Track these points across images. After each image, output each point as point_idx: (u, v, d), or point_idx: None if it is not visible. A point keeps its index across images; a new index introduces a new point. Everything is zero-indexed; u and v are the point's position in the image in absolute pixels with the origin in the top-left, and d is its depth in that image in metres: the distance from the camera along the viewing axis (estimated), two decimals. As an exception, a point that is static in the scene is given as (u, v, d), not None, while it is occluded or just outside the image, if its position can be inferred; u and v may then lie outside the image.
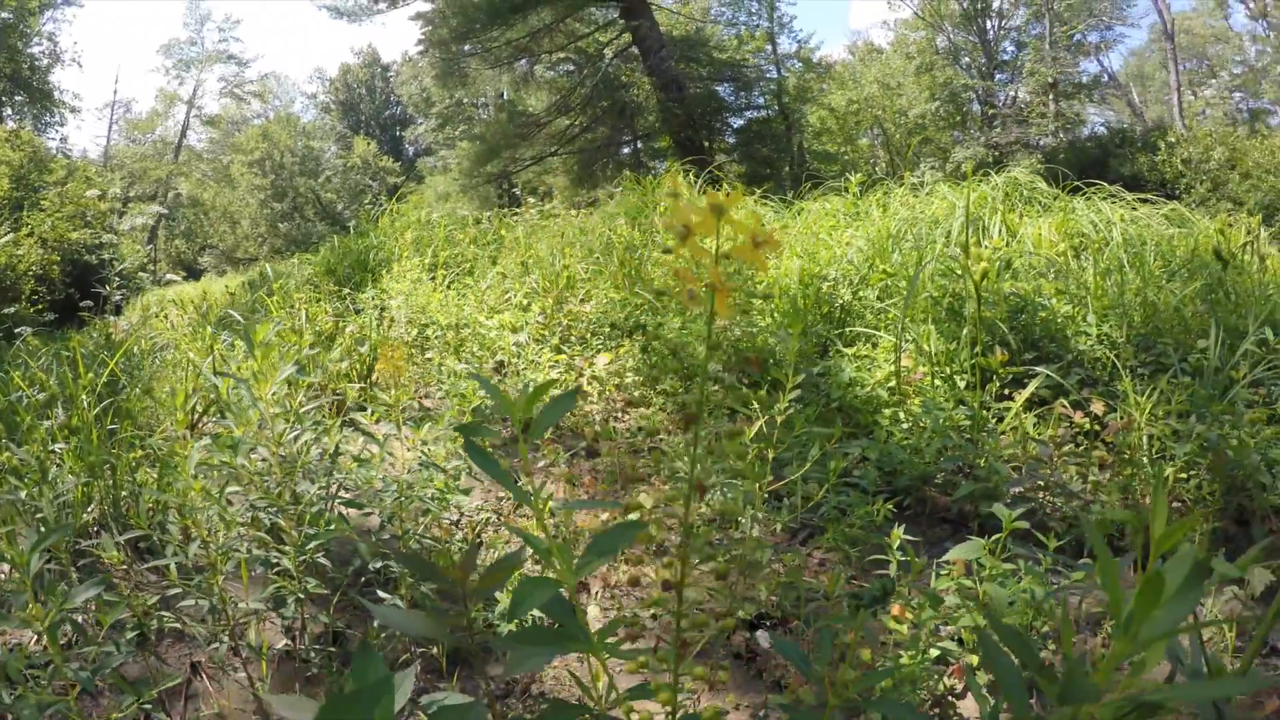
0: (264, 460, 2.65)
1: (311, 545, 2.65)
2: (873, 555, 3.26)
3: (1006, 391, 4.73)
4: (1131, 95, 43.22)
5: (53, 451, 3.58)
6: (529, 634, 1.22)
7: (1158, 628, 0.91)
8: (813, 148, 31.48)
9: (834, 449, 3.88)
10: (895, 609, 2.70)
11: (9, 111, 28.17)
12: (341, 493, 3.04)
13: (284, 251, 36.66)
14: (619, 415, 5.13)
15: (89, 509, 3.53)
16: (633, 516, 3.33)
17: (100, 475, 3.58)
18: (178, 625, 2.71)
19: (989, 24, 36.26)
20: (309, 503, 2.73)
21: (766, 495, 3.76)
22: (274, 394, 2.63)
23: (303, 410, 2.74)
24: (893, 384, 4.48)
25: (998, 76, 35.99)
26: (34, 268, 19.41)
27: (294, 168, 45.67)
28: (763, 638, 3.08)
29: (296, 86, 69.85)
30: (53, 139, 31.56)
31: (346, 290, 7.80)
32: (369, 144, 50.66)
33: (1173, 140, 22.92)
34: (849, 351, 4.74)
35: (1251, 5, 42.51)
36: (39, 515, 3.26)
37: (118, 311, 12.27)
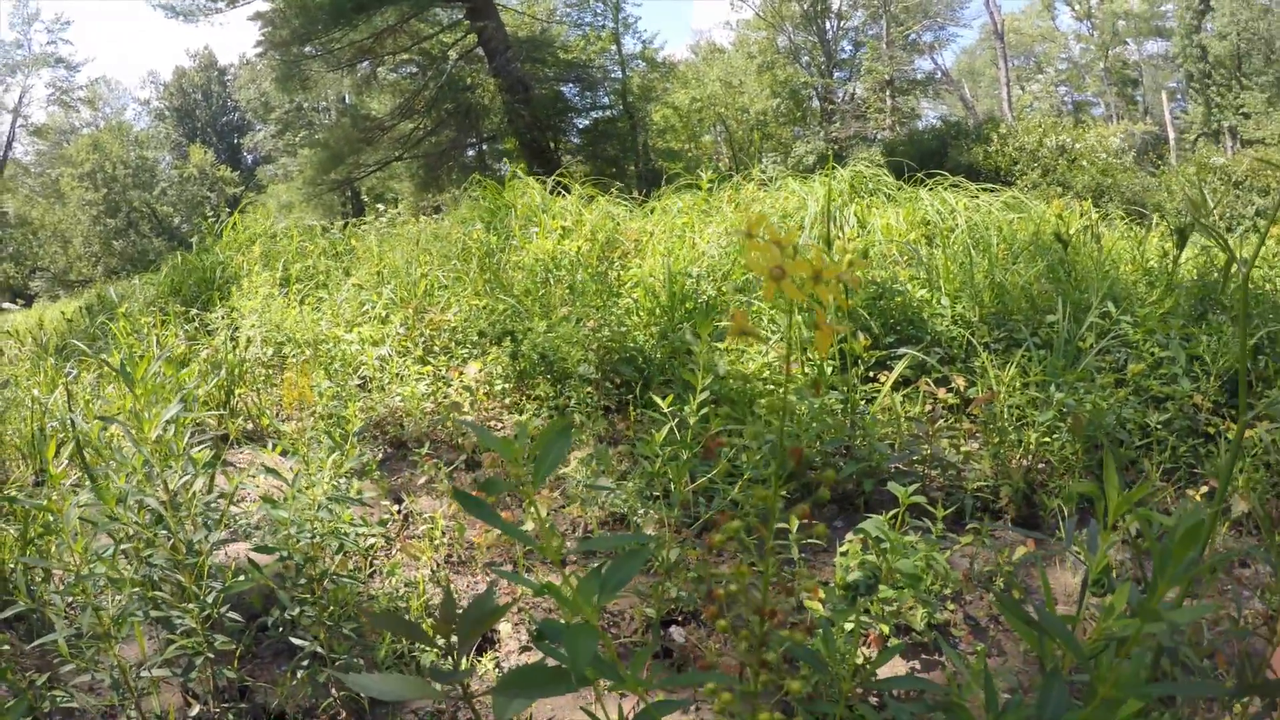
0: (152, 510, 2.47)
1: (214, 598, 2.50)
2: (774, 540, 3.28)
3: (872, 374, 4.87)
4: (964, 91, 45.25)
5: None
6: (525, 675, 1.15)
7: (1182, 569, 1.08)
8: (657, 145, 31.81)
9: (713, 443, 3.90)
10: (811, 589, 2.75)
11: None
12: (243, 536, 2.88)
13: (120, 271, 34.95)
14: (492, 424, 5.04)
15: None
16: (528, 527, 3.25)
17: None
18: (70, 702, 2.50)
19: (828, 24, 37.64)
20: (209, 553, 2.56)
21: (657, 494, 3.75)
22: (158, 435, 2.46)
23: (192, 449, 2.56)
24: (765, 375, 4.54)
25: (836, 74, 37.39)
26: None
27: (127, 180, 43.52)
28: (677, 633, 3.11)
29: (128, 92, 66.95)
30: None
31: (194, 310, 7.45)
32: (206, 152, 48.76)
33: (1004, 132, 24.08)
34: (720, 346, 4.77)
35: (1077, 6, 45.22)
36: None
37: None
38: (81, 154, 43.73)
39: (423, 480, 4.22)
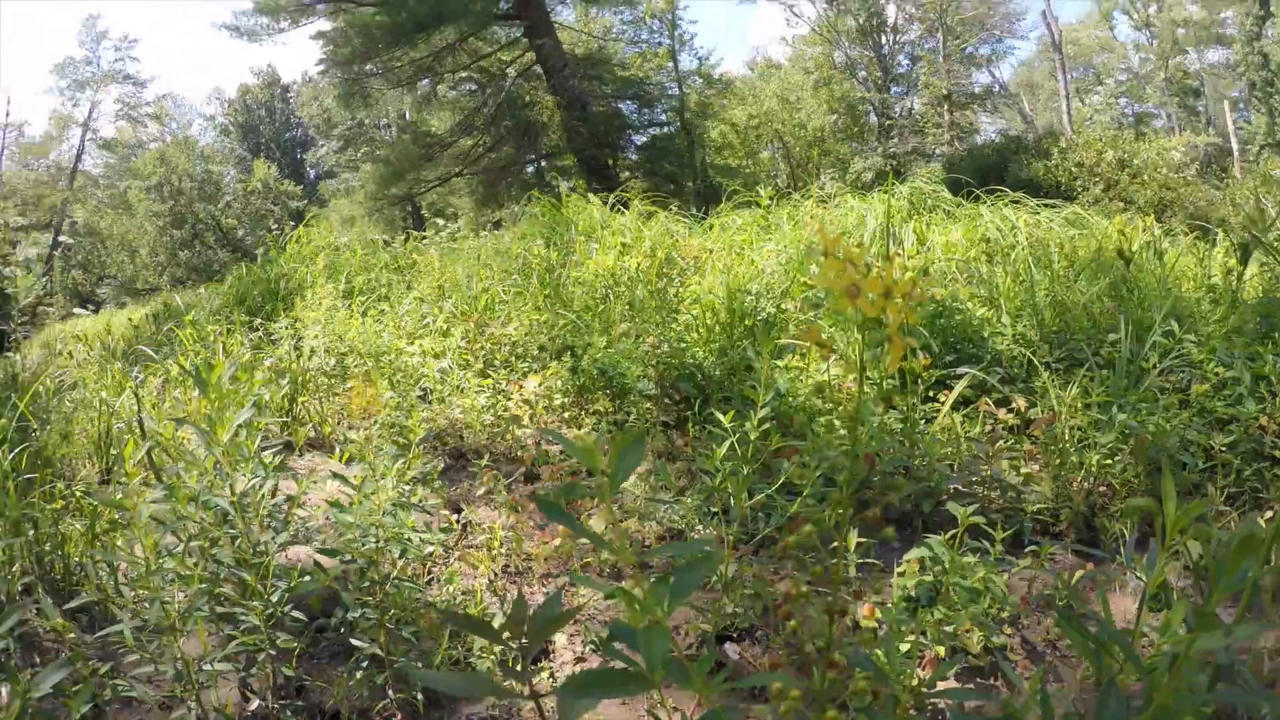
0: (221, 510, 2.53)
1: (278, 597, 2.55)
2: (831, 560, 3.29)
3: (931, 393, 4.83)
4: (1022, 104, 44.67)
5: None
6: (591, 677, 1.17)
7: (1237, 579, 1.09)
8: (715, 162, 31.75)
9: (774, 460, 3.89)
10: (865, 609, 2.73)
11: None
12: (304, 539, 2.94)
13: (185, 281, 35.71)
14: (551, 438, 5.09)
15: (12, 569, 3.35)
16: (585, 540, 3.28)
17: (22, 531, 3.40)
18: (130, 692, 2.57)
19: (884, 39, 37.20)
20: (274, 553, 2.62)
21: (715, 510, 3.76)
22: (229, 438, 2.52)
23: (262, 455, 2.62)
24: (824, 393, 4.53)
25: (893, 89, 36.97)
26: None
27: (193, 192, 44.38)
28: (730, 650, 3.08)
29: (194, 108, 68.41)
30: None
31: (258, 320, 7.60)
32: (270, 167, 49.53)
33: (1064, 146, 23.70)
34: (780, 364, 4.77)
35: (1135, 16, 44.42)
36: None
37: (17, 348, 11.79)
38: (149, 167, 44.69)
39: (481, 491, 4.26)
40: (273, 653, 2.64)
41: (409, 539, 2.68)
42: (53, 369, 8.37)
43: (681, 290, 6.07)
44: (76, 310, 30.63)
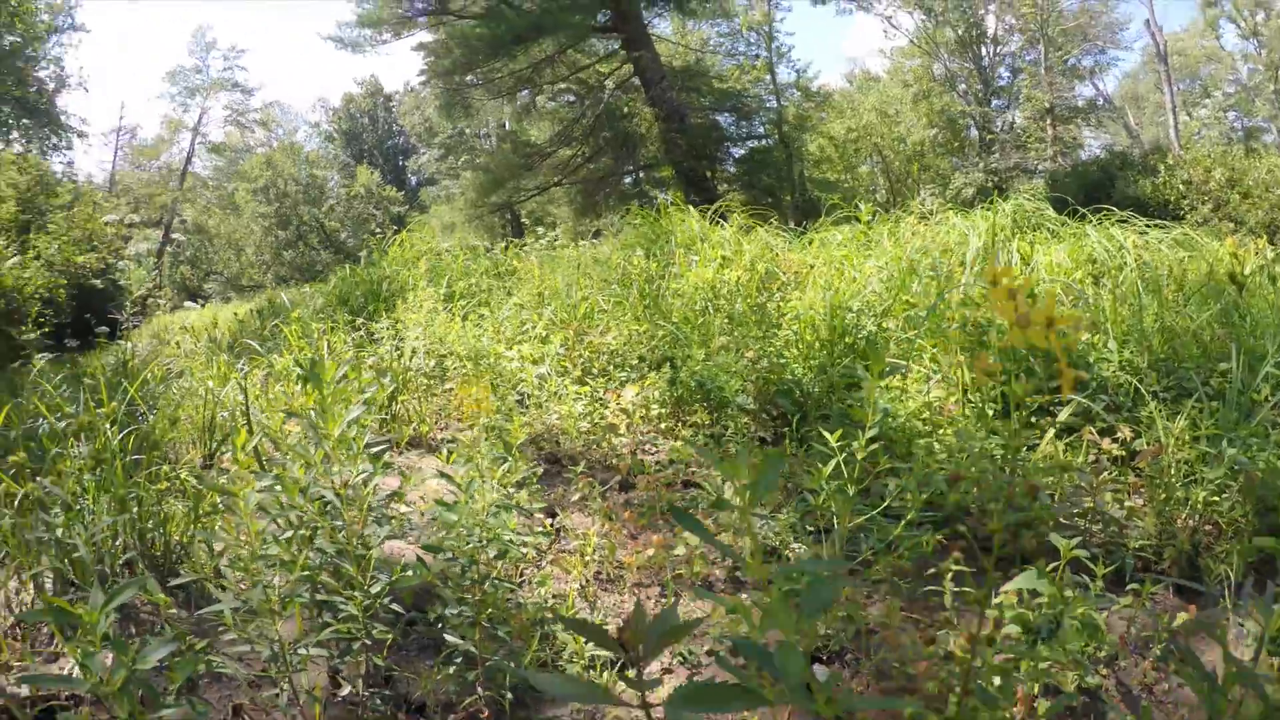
0: (328, 502, 2.62)
1: (378, 589, 2.61)
2: (926, 587, 3.24)
3: (1033, 420, 4.71)
4: (1127, 118, 43.33)
5: (79, 482, 3.50)
6: (704, 691, 1.17)
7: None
8: (813, 176, 31.53)
9: (874, 481, 3.85)
10: (962, 639, 2.69)
11: (15, 135, 28.24)
12: (401, 535, 3.00)
13: (289, 279, 36.70)
14: (647, 447, 5.11)
15: (116, 543, 3.49)
16: (679, 551, 3.29)
17: (127, 508, 3.54)
18: (223, 668, 2.66)
19: (984, 50, 36.40)
20: (377, 546, 2.69)
21: (811, 529, 3.74)
22: (339, 433, 2.60)
23: (370, 450, 2.70)
24: (925, 415, 4.47)
25: (994, 102, 36.13)
26: (40, 290, 19.42)
27: (298, 196, 45.77)
28: (820, 672, 3.03)
29: (300, 115, 70.33)
30: (59, 163, 31.67)
31: (360, 320, 7.79)
32: (372, 173, 50.85)
33: (1171, 162, 22.87)
34: (881, 383, 4.72)
35: (1242, 24, 42.64)
36: (75, 555, 3.22)
37: (128, 336, 12.27)
38: (256, 170, 46.19)
39: (576, 497, 4.28)
40: (367, 642, 2.70)
41: (510, 541, 2.72)
42: (161, 358, 8.69)
43: (781, 305, 6.04)
44: (187, 304, 31.74)
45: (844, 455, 3.35)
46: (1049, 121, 34.52)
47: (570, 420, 5.13)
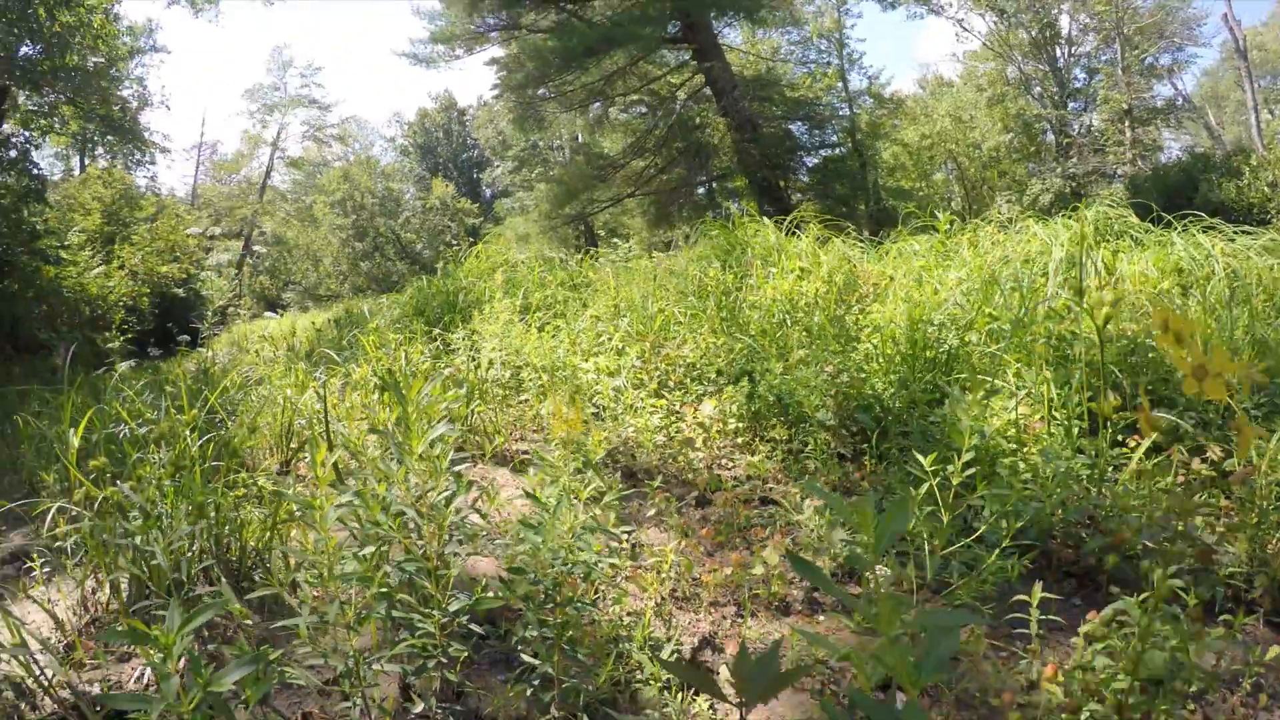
0: (410, 519, 2.62)
1: (457, 607, 2.60)
2: (1009, 614, 3.16)
3: (1120, 438, 4.56)
4: (1208, 117, 41.96)
5: (159, 487, 3.51)
6: None
7: None
8: (887, 184, 31.22)
9: (958, 502, 3.77)
10: (1049, 669, 2.61)
11: (100, 151, 29.24)
12: (479, 551, 3.00)
13: (365, 290, 37.41)
14: (724, 462, 5.07)
15: (192, 548, 3.54)
16: (758, 567, 3.25)
17: (205, 514, 3.56)
18: (296, 679, 2.67)
19: (1059, 51, 35.52)
20: (459, 565, 2.68)
21: (888, 550, 3.67)
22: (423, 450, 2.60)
23: (454, 468, 2.70)
24: (1010, 432, 4.36)
25: (1071, 105, 35.20)
26: (124, 299, 20.08)
27: (374, 208, 46.65)
28: (898, 700, 2.94)
29: (376, 130, 71.81)
30: (143, 178, 32.71)
31: (436, 330, 7.87)
32: (447, 186, 51.60)
33: (1256, 164, 22.07)
34: (970, 399, 4.62)
35: (1324, 14, 40.80)
36: (153, 562, 3.26)
37: (208, 344, 12.58)
38: (333, 184, 47.18)
39: (652, 512, 4.24)
40: (443, 660, 2.67)
41: (595, 563, 2.68)
42: (241, 365, 8.88)
43: (861, 318, 5.96)
44: (267, 314, 32.52)
45: (938, 481, 3.27)
46: (1127, 123, 33.57)
47: (646, 434, 5.10)
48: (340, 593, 2.49)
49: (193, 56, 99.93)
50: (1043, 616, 3.10)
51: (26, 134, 20.37)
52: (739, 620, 3.42)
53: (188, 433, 3.83)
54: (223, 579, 3.48)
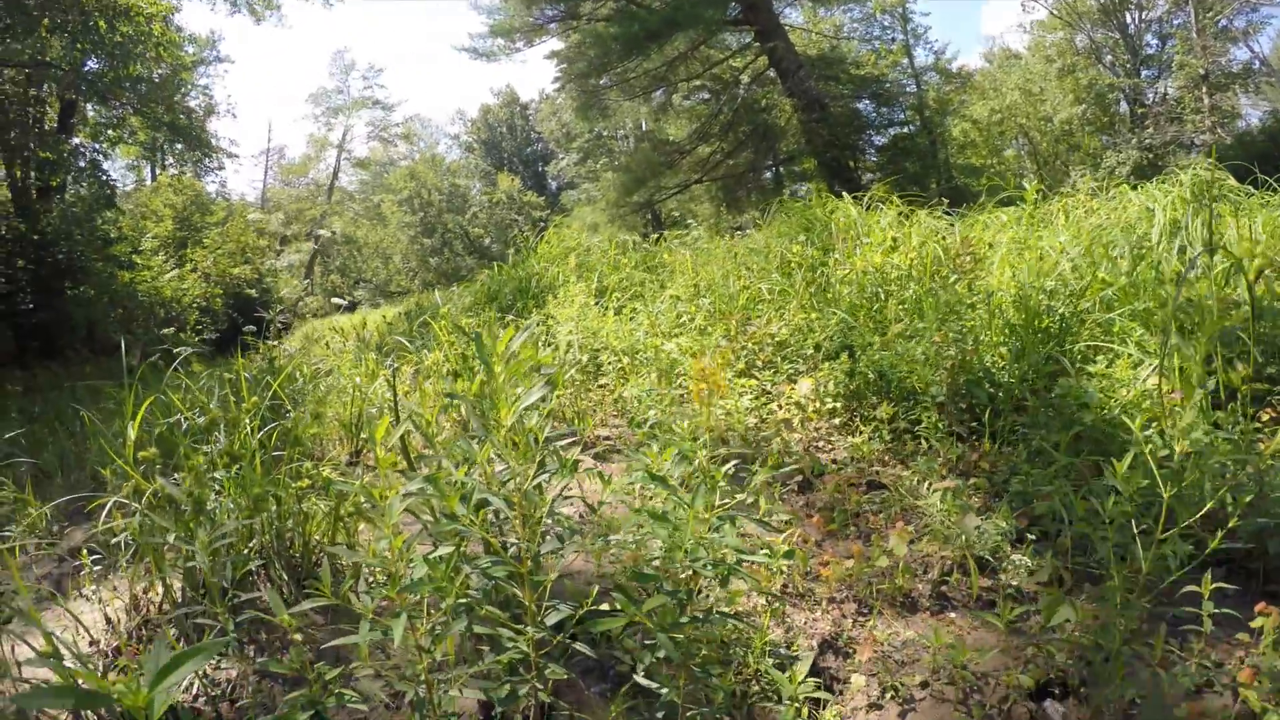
0: (497, 511, 2.24)
1: (557, 619, 2.22)
2: (1160, 606, 2.81)
3: (1251, 411, 4.15)
4: (1287, 81, 40.16)
5: (213, 479, 3.31)
6: None
7: None
8: (957, 162, 30.56)
9: (1093, 483, 3.42)
10: (1246, 673, 2.29)
11: (170, 160, 29.83)
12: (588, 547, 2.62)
13: (435, 285, 37.58)
14: (821, 444, 4.73)
15: (250, 543, 3.32)
16: (881, 559, 2.94)
17: (264, 507, 3.34)
18: (358, 702, 2.27)
19: (1129, 18, 34.27)
20: (554, 573, 2.29)
21: (1016, 533, 3.33)
22: (511, 425, 2.13)
23: (554, 447, 2.32)
24: (1146, 404, 3.98)
25: (1144, 73, 33.96)
26: (198, 300, 20.48)
27: (441, 205, 46.93)
28: (1053, 709, 2.57)
29: (440, 128, 72.33)
30: (212, 183, 33.30)
31: (510, 316, 7.65)
32: (513, 180, 51.69)
33: (1344, 126, 21.01)
34: (1094, 370, 4.24)
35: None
36: (190, 564, 3.04)
37: (279, 337, 12.60)
38: (400, 182, 47.57)
39: (750, 500, 3.96)
40: (539, 686, 2.28)
41: (738, 563, 2.19)
42: (311, 356, 8.77)
43: (966, 288, 5.56)
44: (335, 299, 32.92)
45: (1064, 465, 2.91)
46: (1204, 90, 32.24)
47: (738, 416, 4.78)
48: (407, 604, 2.07)
49: (257, 64, 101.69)
50: (1193, 610, 2.75)
51: (96, 145, 20.80)
52: (861, 619, 3.09)
53: (247, 421, 3.60)
54: (284, 577, 3.27)
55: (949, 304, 5.20)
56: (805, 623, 3.09)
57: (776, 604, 3.11)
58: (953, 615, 3.07)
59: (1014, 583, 3.12)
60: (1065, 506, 3.28)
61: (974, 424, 4.42)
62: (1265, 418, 4.01)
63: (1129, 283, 5.30)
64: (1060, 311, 4.91)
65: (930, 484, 3.65)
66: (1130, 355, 4.44)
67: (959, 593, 3.20)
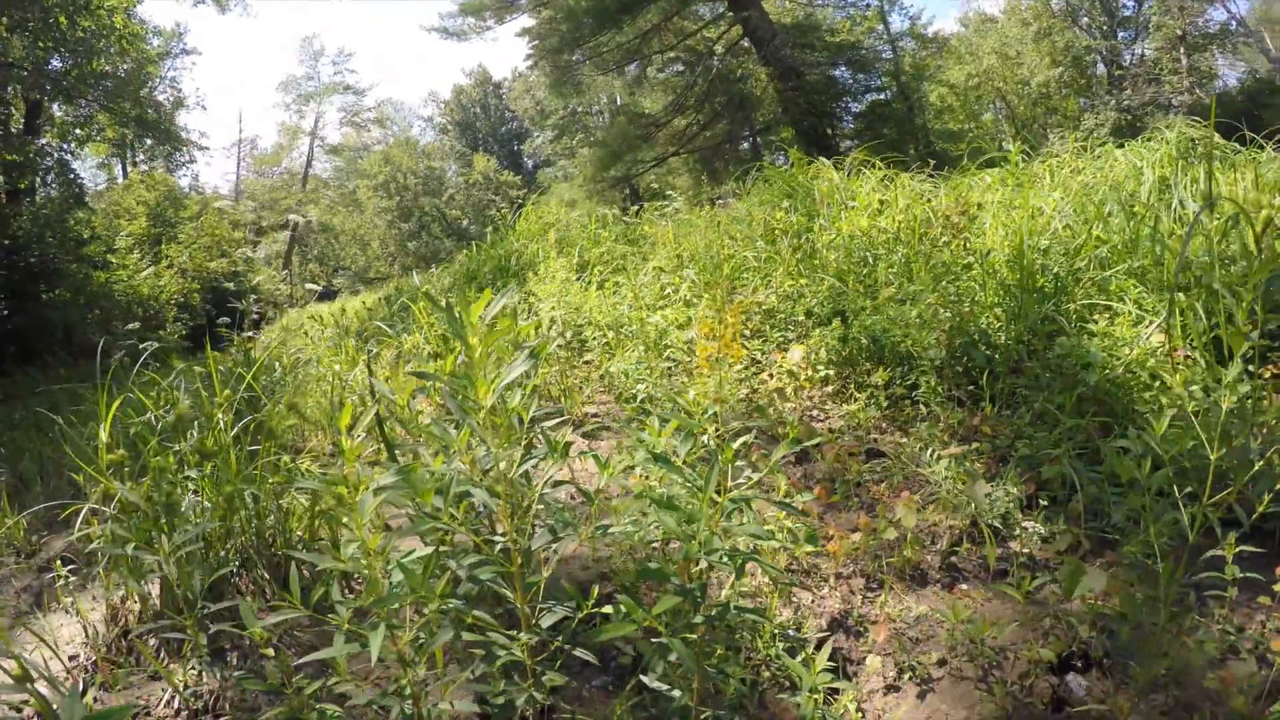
0: (481, 504, 1.97)
1: (554, 621, 2.03)
2: (1202, 574, 2.68)
3: (1251, 369, 4.03)
4: (1264, 42, 40.20)
5: (187, 479, 3.13)
6: None
7: None
8: (935, 127, 30.48)
9: (1104, 444, 3.28)
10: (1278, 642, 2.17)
11: (141, 156, 29.46)
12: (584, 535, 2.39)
13: (414, 269, 37.30)
14: (815, 413, 4.59)
15: (228, 544, 3.15)
16: (889, 531, 2.80)
17: (241, 505, 3.17)
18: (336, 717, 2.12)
19: (1105, -22, 34.24)
20: (548, 571, 2.07)
21: (1025, 500, 3.19)
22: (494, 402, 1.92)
23: (541, 428, 2.11)
24: (1151, 363, 3.84)
25: (1121, 35, 33.93)
26: (176, 296, 20.28)
27: (418, 188, 46.51)
28: (1075, 683, 2.45)
29: (413, 111, 71.69)
30: (184, 177, 32.95)
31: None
32: (488, 160, 51.26)
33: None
34: (1095, 329, 4.10)
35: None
36: (155, 573, 2.87)
37: (256, 328, 12.39)
38: (375, 167, 47.12)
39: (746, 473, 3.79)
40: (536, 695, 2.08)
41: (755, 553, 2.01)
42: (290, 347, 8.57)
43: (958, 248, 5.41)
44: (308, 286, 32.61)
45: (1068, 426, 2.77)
46: (1182, 50, 32.23)
47: (729, 387, 4.61)
48: (385, 614, 1.87)
49: (225, 55, 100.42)
50: (1215, 575, 2.62)
51: (64, 145, 20.52)
52: (871, 595, 2.94)
53: (220, 416, 3.41)
54: (266, 577, 3.10)
55: (944, 263, 5.05)
56: (813, 601, 2.95)
57: (785, 583, 2.96)
58: (965, 587, 2.94)
59: (1025, 550, 2.99)
60: (1075, 470, 3.15)
61: (971, 387, 4.28)
62: (1267, 374, 3.89)
63: (1123, 240, 5.18)
64: (1056, 270, 4.77)
65: (933, 451, 3.50)
66: (1130, 313, 4.30)
67: (970, 563, 3.07)
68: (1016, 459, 3.46)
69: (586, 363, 5.74)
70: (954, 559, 3.10)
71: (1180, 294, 4.23)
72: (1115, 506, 3.03)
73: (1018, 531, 3.06)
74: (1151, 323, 4.12)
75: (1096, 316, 4.44)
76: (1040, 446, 3.42)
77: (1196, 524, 2.76)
